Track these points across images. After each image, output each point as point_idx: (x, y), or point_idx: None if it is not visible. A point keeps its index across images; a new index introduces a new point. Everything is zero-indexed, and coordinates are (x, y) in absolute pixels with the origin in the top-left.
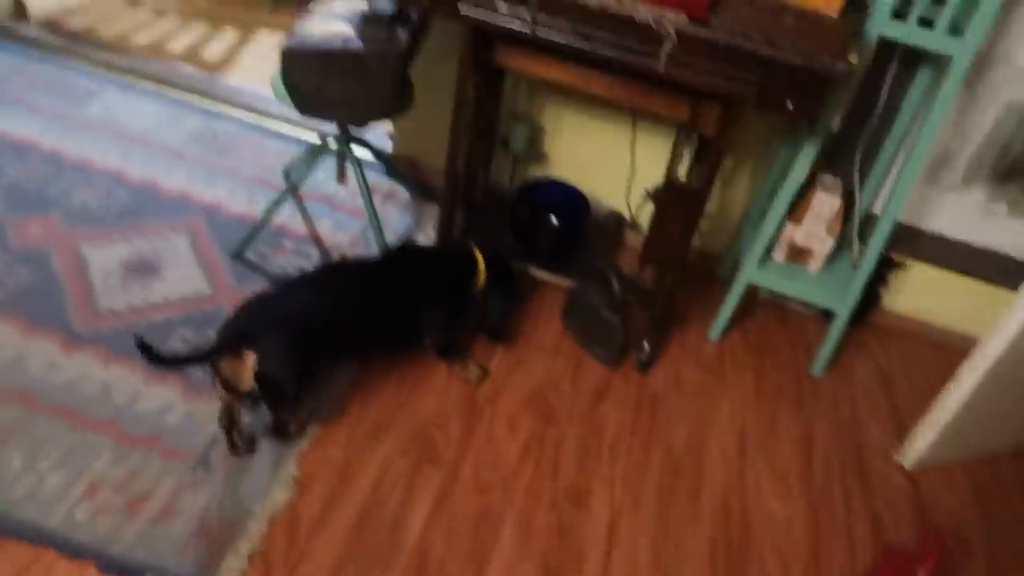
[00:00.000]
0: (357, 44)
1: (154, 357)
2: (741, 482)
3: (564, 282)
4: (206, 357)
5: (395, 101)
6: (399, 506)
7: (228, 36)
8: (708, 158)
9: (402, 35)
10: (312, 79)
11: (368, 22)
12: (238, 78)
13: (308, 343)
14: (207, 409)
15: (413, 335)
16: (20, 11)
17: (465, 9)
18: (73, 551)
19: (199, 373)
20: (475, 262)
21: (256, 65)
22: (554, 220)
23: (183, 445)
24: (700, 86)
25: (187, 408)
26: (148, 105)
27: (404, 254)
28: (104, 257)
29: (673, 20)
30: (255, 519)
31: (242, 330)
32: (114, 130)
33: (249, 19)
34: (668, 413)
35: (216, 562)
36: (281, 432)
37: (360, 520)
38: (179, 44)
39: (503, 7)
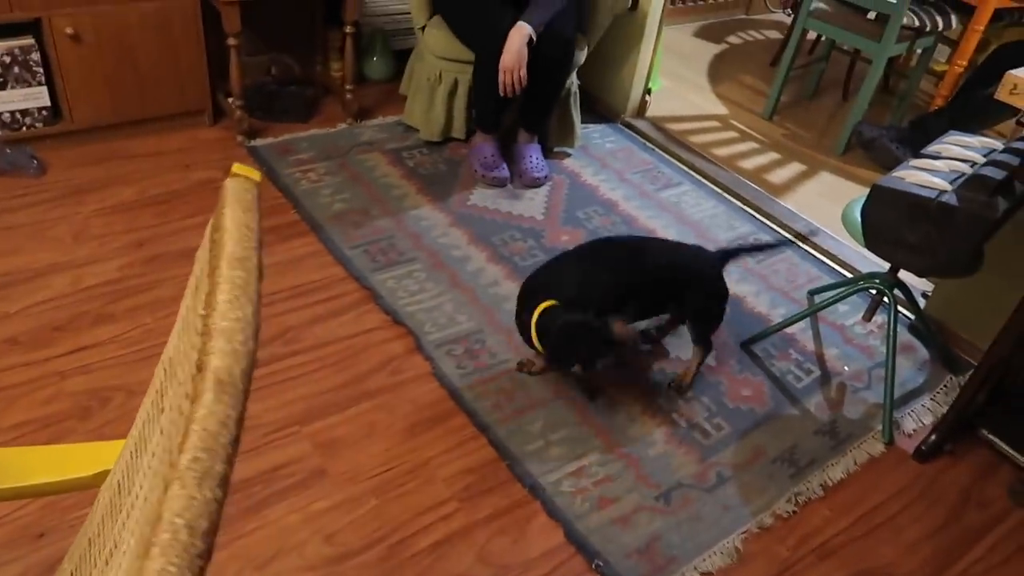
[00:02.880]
0: (953, 200)
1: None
2: None
3: None
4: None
5: (967, 265)
6: None
7: (794, 168)
8: None
9: (1001, 204)
10: (893, 219)
11: (970, 183)
12: (792, 203)
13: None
14: (682, 457)
15: None
16: (642, 111)
17: None
18: (552, 511)
19: (684, 427)
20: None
21: (810, 198)
22: None
23: (653, 476)
24: None
25: (666, 448)
26: (710, 202)
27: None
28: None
29: None
30: (691, 567)
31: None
32: (677, 214)
33: (817, 160)
34: None
35: None
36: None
37: None
38: (750, 163)
39: None
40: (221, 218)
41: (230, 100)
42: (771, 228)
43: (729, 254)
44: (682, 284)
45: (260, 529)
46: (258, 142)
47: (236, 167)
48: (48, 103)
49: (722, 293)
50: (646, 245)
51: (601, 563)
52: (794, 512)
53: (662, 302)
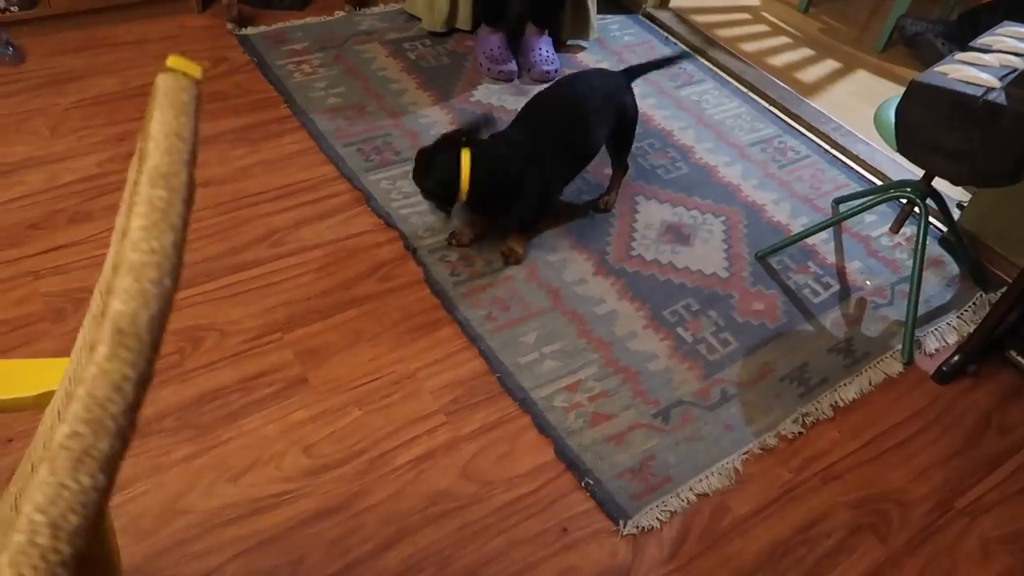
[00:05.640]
0: (1001, 99)
1: None
2: None
3: None
4: None
5: (1011, 173)
6: (826, 558)
7: (828, 65)
8: None
9: None
10: (931, 120)
11: (1023, 80)
12: (822, 105)
13: None
14: (685, 374)
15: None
16: (665, 1)
17: None
18: (543, 427)
19: (690, 341)
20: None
21: (844, 99)
22: None
23: (653, 392)
24: None
25: (669, 364)
26: (734, 102)
27: None
28: (652, 212)
29: None
30: (687, 488)
31: None
32: (698, 114)
33: (855, 57)
34: None
35: (642, 503)
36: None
37: (782, 546)
38: (780, 60)
39: None
40: (148, 123)
41: None
42: (798, 131)
43: (634, 71)
44: (606, 114)
45: (236, 439)
46: (249, 30)
47: (171, 60)
48: None
49: (636, 110)
50: (563, 99)
51: (591, 481)
52: (800, 433)
53: (594, 139)
